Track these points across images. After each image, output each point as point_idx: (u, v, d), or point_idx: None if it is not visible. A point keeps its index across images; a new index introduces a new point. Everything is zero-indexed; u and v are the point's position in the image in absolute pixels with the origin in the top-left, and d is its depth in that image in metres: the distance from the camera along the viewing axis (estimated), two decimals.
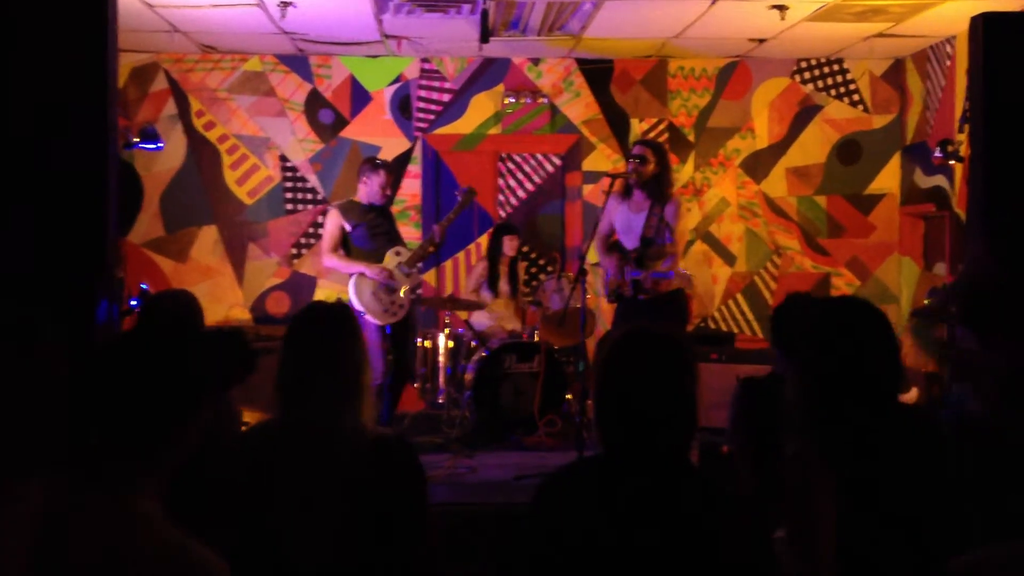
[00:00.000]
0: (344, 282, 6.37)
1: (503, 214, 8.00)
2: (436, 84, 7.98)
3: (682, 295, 5.76)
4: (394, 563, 2.45)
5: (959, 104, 6.99)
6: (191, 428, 1.75)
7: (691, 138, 8.05)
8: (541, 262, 8.03)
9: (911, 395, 5.00)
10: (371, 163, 6.31)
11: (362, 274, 6.12)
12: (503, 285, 7.25)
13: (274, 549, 2.32)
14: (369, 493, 2.43)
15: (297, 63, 7.88)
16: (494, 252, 7.25)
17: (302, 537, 2.38)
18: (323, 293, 7.84)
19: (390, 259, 6.18)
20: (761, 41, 7.31)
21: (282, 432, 2.53)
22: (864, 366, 2.37)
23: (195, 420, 1.75)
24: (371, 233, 6.20)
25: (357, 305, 6.08)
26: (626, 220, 5.86)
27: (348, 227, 6.18)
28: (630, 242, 5.81)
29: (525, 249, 7.76)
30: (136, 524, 1.63)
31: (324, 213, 7.12)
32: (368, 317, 6.06)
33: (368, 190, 6.20)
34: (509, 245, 7.25)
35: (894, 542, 2.28)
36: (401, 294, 6.19)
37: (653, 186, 5.77)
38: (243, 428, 3.17)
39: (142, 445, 1.70)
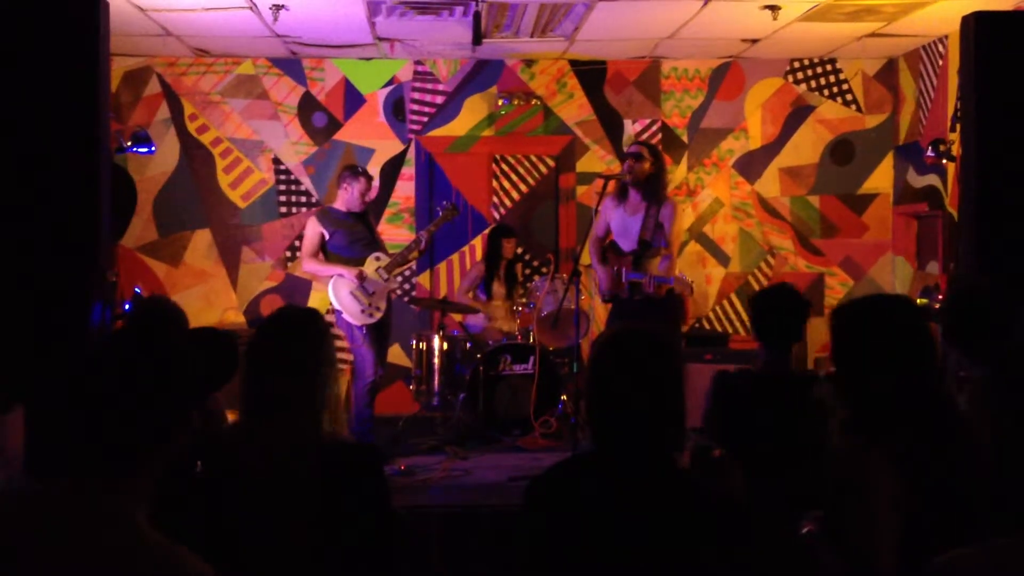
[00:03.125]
0: None
1: (497, 216, 8.00)
2: (429, 86, 7.98)
3: (676, 296, 5.75)
4: (357, 570, 2.42)
5: (951, 103, 7.01)
6: (177, 430, 1.72)
7: (684, 139, 8.05)
8: (535, 263, 8.03)
9: None
10: (352, 170, 6.38)
11: (340, 275, 6.15)
12: (498, 287, 7.25)
13: (236, 555, 2.28)
14: (327, 500, 2.39)
15: (290, 66, 7.88)
16: (492, 254, 7.25)
17: (263, 543, 2.35)
18: (318, 296, 7.83)
19: (370, 264, 6.22)
20: (754, 41, 7.32)
21: (243, 437, 2.50)
22: (916, 370, 2.35)
23: (182, 422, 1.73)
24: (350, 240, 6.24)
25: (336, 305, 6.14)
26: (622, 222, 5.85)
27: (327, 234, 6.23)
28: (627, 244, 5.80)
29: (519, 251, 7.77)
30: (121, 528, 1.61)
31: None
32: (346, 317, 6.12)
33: (348, 196, 6.25)
34: (507, 247, 7.25)
35: (952, 544, 2.27)
36: (379, 298, 6.20)
37: (649, 187, 5.77)
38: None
39: (127, 448, 1.67)
